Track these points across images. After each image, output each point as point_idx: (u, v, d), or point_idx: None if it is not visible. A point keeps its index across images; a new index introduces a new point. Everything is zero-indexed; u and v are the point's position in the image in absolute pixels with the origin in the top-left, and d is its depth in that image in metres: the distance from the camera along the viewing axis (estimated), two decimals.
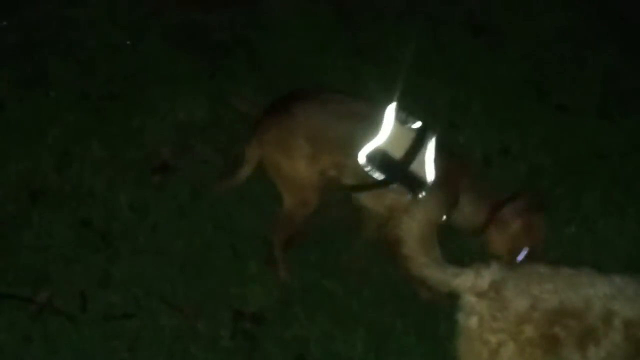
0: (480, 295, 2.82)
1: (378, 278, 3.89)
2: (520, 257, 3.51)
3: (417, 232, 2.90)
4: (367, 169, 3.54)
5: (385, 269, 3.87)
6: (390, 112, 3.52)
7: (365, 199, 3.74)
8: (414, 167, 3.53)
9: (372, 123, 3.52)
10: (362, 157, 3.52)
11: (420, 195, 3.54)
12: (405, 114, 3.56)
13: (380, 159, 3.51)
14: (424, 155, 3.53)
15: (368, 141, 3.51)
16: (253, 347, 3.54)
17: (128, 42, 4.99)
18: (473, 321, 2.83)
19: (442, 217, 3.00)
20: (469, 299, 2.85)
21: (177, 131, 4.44)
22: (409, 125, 3.55)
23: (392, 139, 3.52)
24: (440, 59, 5.12)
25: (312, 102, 3.65)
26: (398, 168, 3.54)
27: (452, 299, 2.95)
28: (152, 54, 4.93)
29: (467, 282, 2.86)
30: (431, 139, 3.54)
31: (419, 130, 3.55)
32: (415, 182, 3.55)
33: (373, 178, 3.57)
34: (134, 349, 3.51)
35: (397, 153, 3.53)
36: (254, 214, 4.10)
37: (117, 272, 3.79)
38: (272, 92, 4.08)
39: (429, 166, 3.53)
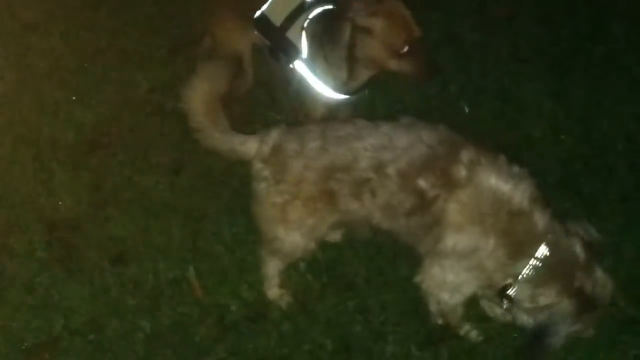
0: (264, 160, 2.98)
1: (189, 166, 3.97)
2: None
3: (200, 105, 2.97)
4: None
5: (195, 157, 3.93)
6: None
7: None
8: (290, 34, 3.59)
9: None
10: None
11: (292, 65, 3.61)
12: None
13: (262, 22, 3.62)
14: (302, 24, 3.58)
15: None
16: (69, 254, 3.56)
17: None
18: (261, 186, 3.01)
19: (224, 87, 3.03)
20: (256, 165, 3.01)
21: None
22: None
23: (275, 5, 3.60)
24: None
25: None
26: (276, 33, 3.61)
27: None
28: None
29: (252, 149, 3.01)
30: (315, 9, 3.57)
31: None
32: (290, 50, 3.60)
33: None
34: None
35: (278, 19, 3.59)
36: (56, 122, 4.02)
37: None
38: None
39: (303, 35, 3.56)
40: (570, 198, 3.62)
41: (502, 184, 2.74)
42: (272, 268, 3.29)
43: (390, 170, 2.82)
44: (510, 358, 3.09)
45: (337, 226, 3.17)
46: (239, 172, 3.60)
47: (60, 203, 3.78)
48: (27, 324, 3.29)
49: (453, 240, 2.79)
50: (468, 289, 2.93)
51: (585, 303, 2.72)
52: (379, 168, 2.83)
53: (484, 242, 2.76)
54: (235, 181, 3.78)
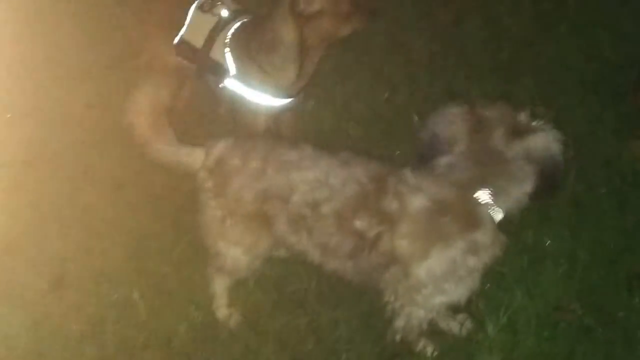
0: (209, 171, 2.94)
1: (131, 183, 3.84)
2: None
3: (144, 118, 2.91)
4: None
5: (137, 173, 3.81)
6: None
7: None
8: (213, 54, 3.53)
9: None
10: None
11: (222, 84, 3.55)
12: (210, 2, 3.55)
13: (182, 47, 3.56)
14: (223, 41, 3.52)
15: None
16: (7, 279, 3.40)
17: None
18: (203, 197, 2.97)
19: (168, 99, 2.96)
20: (200, 174, 2.97)
21: None
22: (213, 13, 3.54)
23: (193, 27, 3.54)
24: None
25: None
26: (199, 56, 3.55)
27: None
28: None
29: (199, 160, 2.97)
30: (234, 24, 3.52)
31: (220, 17, 3.54)
32: (217, 69, 3.54)
33: None
34: None
35: (198, 41, 3.54)
36: None
37: None
38: None
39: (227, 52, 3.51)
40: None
41: (425, 198, 2.67)
42: (219, 286, 3.21)
43: (326, 209, 2.76)
44: None
45: (276, 247, 3.10)
46: (183, 188, 3.48)
47: None
48: None
49: (425, 269, 2.71)
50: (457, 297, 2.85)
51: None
52: (315, 206, 2.77)
53: (454, 250, 2.68)
54: (180, 198, 3.65)
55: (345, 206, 2.74)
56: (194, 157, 2.98)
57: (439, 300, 2.81)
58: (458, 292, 2.80)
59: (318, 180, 2.77)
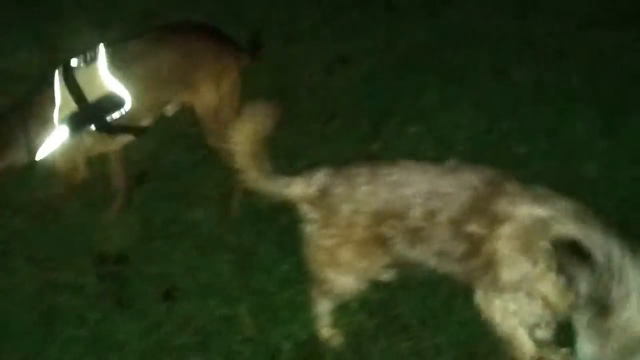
0: (311, 202, 2.96)
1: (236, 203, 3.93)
2: None
3: (245, 147, 2.95)
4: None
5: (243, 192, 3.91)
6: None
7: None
8: (92, 100, 3.44)
9: None
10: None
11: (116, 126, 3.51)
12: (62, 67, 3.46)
13: (69, 121, 3.44)
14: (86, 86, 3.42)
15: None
16: (121, 288, 3.55)
17: None
18: (309, 228, 2.99)
19: (269, 127, 3.03)
20: (303, 208, 2.99)
21: None
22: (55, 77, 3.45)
23: (61, 99, 3.42)
24: None
25: None
26: (84, 115, 3.44)
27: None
28: None
29: (298, 191, 2.98)
30: (61, 73, 3.43)
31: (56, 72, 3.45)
32: (108, 109, 3.45)
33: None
34: None
35: (70, 107, 3.44)
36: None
37: None
38: None
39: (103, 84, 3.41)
40: (631, 240, 3.53)
41: (540, 210, 2.71)
42: (323, 307, 3.24)
43: (441, 218, 2.80)
44: None
45: (391, 267, 3.12)
46: (286, 209, 3.54)
47: (109, 238, 3.77)
48: (79, 358, 3.26)
49: (507, 273, 2.75)
50: (535, 319, 2.85)
51: None
52: (430, 216, 2.81)
53: (533, 267, 2.71)
54: (283, 218, 3.73)
55: (459, 212, 2.77)
56: (293, 189, 2.99)
57: (512, 308, 2.82)
58: (523, 307, 2.81)
59: (430, 191, 2.80)
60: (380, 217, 2.86)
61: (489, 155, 4.04)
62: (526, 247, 2.72)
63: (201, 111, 3.64)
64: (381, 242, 2.90)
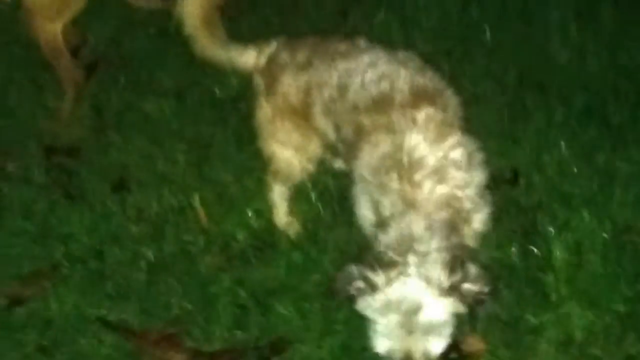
0: (260, 71, 2.89)
1: (194, 91, 3.80)
2: None
3: (197, 10, 2.86)
4: None
5: (201, 81, 3.75)
6: None
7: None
8: None
9: None
10: None
11: None
12: None
13: None
14: None
15: None
16: (69, 179, 3.42)
17: None
18: (257, 95, 2.93)
19: None
20: (255, 78, 2.93)
21: None
22: None
23: None
24: None
25: None
26: None
27: None
28: None
29: (251, 59, 2.93)
30: None
31: None
32: None
33: None
34: None
35: None
36: None
37: None
38: None
39: None
40: (597, 126, 3.43)
41: None
42: (279, 195, 3.14)
43: (350, 96, 2.64)
44: None
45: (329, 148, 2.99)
46: (245, 96, 3.40)
47: (60, 128, 3.62)
48: (26, 250, 3.15)
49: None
50: None
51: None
52: (344, 91, 2.66)
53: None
54: (242, 106, 3.58)
55: (366, 101, 2.59)
56: (246, 57, 2.94)
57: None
58: None
59: (356, 69, 2.65)
60: (309, 87, 2.75)
61: (458, 41, 3.85)
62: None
63: None
64: (307, 114, 2.79)
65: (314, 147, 2.90)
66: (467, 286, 2.30)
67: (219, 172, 3.42)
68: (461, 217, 2.43)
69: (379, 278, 2.29)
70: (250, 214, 3.21)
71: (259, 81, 2.91)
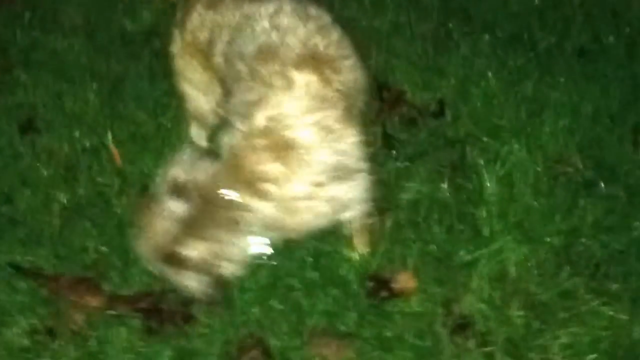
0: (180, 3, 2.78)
1: (105, 27, 3.64)
2: None
3: None
4: None
5: (111, 18, 3.60)
6: None
7: None
8: None
9: None
10: None
11: None
12: None
13: None
14: None
15: None
16: None
17: None
18: (174, 44, 2.79)
19: None
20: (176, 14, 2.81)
21: None
22: None
23: None
24: None
25: None
26: None
27: None
28: None
29: None
30: None
31: None
32: None
33: None
34: None
35: None
36: None
37: None
38: None
39: None
40: (523, 54, 3.38)
41: None
42: (196, 135, 3.04)
43: (239, 41, 2.49)
44: None
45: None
46: (160, 32, 3.26)
47: None
48: None
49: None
50: None
51: None
52: (236, 35, 2.53)
53: None
54: (156, 42, 3.44)
55: (252, 49, 2.43)
56: None
57: None
58: None
59: (255, 15, 2.49)
60: (213, 26, 2.61)
61: None
62: None
63: None
64: (207, 54, 2.65)
65: (220, 91, 2.73)
66: None
67: (132, 110, 3.27)
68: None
69: None
70: (167, 153, 3.08)
71: (176, 15, 2.78)
